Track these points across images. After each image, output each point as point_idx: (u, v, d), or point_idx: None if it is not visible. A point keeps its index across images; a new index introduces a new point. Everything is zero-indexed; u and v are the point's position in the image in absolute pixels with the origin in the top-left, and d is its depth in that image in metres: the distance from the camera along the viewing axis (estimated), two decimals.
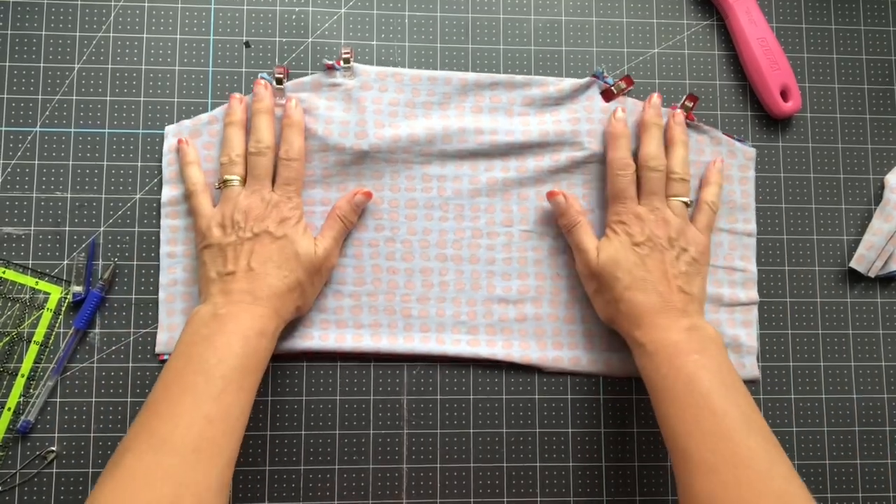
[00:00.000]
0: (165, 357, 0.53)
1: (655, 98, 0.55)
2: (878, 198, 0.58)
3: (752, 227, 0.57)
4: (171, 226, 0.54)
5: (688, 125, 0.57)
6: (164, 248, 0.54)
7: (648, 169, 0.52)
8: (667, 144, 0.54)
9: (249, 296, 0.48)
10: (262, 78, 0.55)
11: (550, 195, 0.54)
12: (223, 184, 0.52)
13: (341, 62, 0.55)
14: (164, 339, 0.53)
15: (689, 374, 0.46)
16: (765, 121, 0.58)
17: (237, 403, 0.44)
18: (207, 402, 0.43)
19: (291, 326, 0.54)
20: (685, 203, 0.52)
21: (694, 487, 0.43)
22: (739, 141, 0.57)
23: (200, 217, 0.52)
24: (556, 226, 0.56)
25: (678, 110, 0.55)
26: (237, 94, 0.54)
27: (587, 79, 0.56)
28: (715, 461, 0.43)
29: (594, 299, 0.53)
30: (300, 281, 0.50)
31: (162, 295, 0.53)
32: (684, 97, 0.57)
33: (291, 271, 0.50)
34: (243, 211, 0.50)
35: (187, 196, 0.53)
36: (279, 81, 0.55)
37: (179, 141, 0.54)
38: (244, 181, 0.52)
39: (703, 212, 0.54)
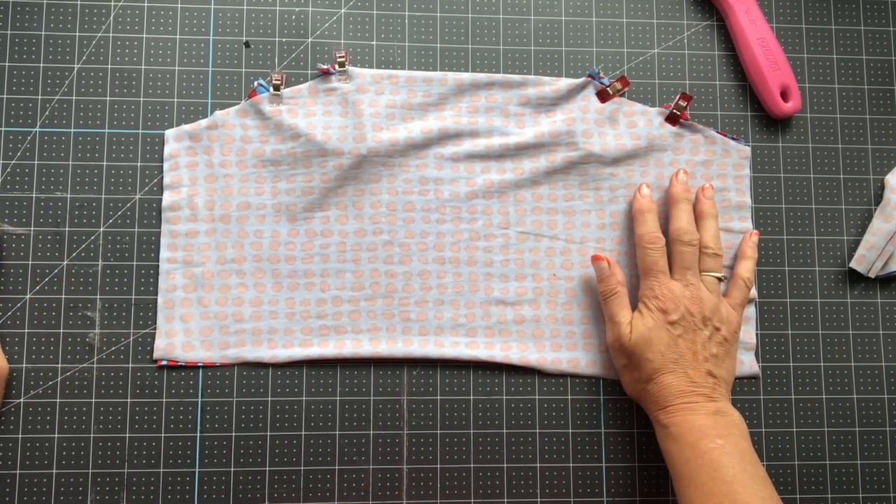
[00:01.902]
0: (164, 363, 0.53)
1: (682, 174, 0.54)
2: (878, 198, 0.58)
3: (748, 225, 0.57)
4: (172, 231, 0.54)
5: (681, 124, 0.57)
6: (164, 254, 0.54)
7: (681, 243, 0.52)
8: (697, 218, 0.53)
9: None
10: (260, 84, 0.55)
11: (596, 259, 0.53)
12: None
13: (336, 66, 0.55)
14: (163, 345, 0.53)
15: (712, 460, 0.46)
16: (765, 121, 0.58)
17: None
18: None
19: (290, 335, 0.54)
20: (718, 279, 0.52)
21: None
22: (734, 140, 0.57)
23: None
24: (553, 227, 0.56)
25: (706, 185, 0.55)
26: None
27: (583, 79, 0.56)
28: None
29: (622, 373, 0.53)
30: None
31: (161, 300, 0.53)
32: (677, 96, 0.57)
33: None
34: None
35: None
36: (276, 87, 0.55)
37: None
38: None
39: (739, 288, 0.53)
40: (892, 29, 0.60)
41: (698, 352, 0.50)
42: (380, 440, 0.54)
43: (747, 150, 0.57)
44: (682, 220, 0.52)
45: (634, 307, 0.53)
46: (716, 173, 0.57)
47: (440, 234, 0.55)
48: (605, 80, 0.57)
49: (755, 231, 0.56)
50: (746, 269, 0.54)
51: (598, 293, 0.54)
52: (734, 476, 0.45)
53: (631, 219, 0.56)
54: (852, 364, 0.57)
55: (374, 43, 0.57)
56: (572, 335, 0.55)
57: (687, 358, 0.49)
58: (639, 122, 0.57)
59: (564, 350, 0.55)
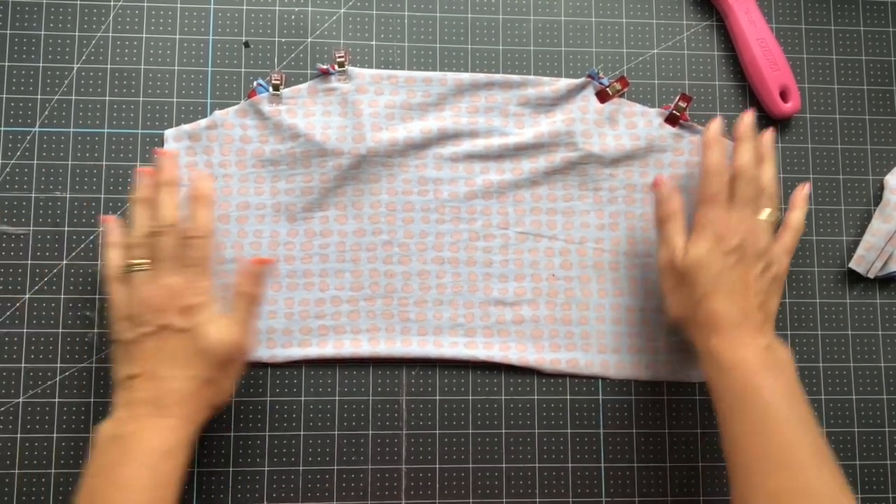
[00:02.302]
0: None
1: (749, 114, 0.53)
2: (878, 198, 0.58)
3: None
4: None
5: (681, 126, 0.57)
6: None
7: (744, 179, 0.50)
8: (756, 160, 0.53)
9: (153, 406, 0.43)
10: (259, 84, 0.55)
11: (655, 185, 0.52)
12: (127, 268, 0.47)
13: (335, 66, 0.55)
14: None
15: (764, 399, 0.45)
16: (764, 121, 0.58)
17: None
18: None
19: (289, 335, 0.54)
20: (773, 221, 0.51)
21: None
22: (733, 142, 0.57)
23: (111, 307, 0.47)
24: (552, 227, 0.56)
25: (767, 129, 0.54)
26: (146, 168, 0.50)
27: (582, 79, 0.56)
28: (779, 489, 0.42)
29: (668, 295, 0.51)
30: (210, 378, 0.45)
31: None
32: (677, 97, 0.57)
33: (200, 369, 0.45)
34: (143, 302, 0.45)
35: (104, 280, 0.48)
36: (276, 87, 0.55)
37: (103, 219, 0.50)
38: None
39: (790, 232, 0.52)
40: (891, 29, 0.60)
41: (750, 284, 0.49)
42: (379, 440, 0.54)
43: None
44: (745, 157, 0.51)
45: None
46: None
47: (439, 234, 0.55)
48: (605, 81, 0.57)
49: (807, 183, 0.55)
50: (797, 218, 0.53)
51: (656, 218, 0.52)
52: (786, 417, 0.44)
53: (630, 219, 0.56)
54: (851, 365, 0.57)
55: (374, 43, 0.57)
56: (571, 335, 0.55)
57: (739, 288, 0.48)
58: (638, 122, 0.57)
59: (563, 350, 0.55)
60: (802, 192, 0.54)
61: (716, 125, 0.52)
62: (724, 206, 0.50)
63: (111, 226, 0.49)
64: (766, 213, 0.51)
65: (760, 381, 0.46)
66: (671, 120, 0.57)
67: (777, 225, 0.52)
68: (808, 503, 0.42)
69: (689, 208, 0.56)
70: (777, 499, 0.42)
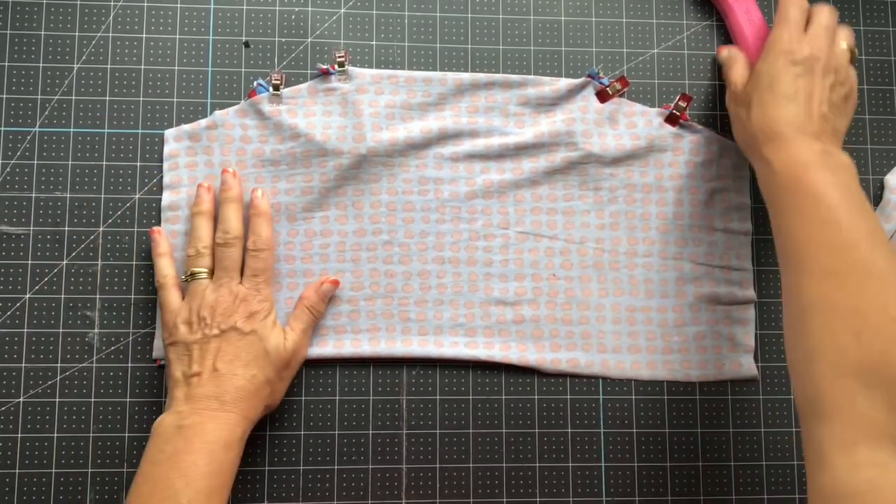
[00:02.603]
0: (163, 362, 0.53)
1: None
2: (878, 198, 0.58)
3: (748, 225, 0.57)
4: (171, 231, 0.54)
5: (681, 125, 0.57)
6: None
7: (824, 12, 0.50)
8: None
9: (215, 401, 0.46)
10: (259, 84, 0.55)
11: (720, 49, 0.54)
12: (190, 276, 0.50)
13: (335, 66, 0.55)
14: (160, 344, 0.53)
15: (817, 190, 0.43)
16: None
17: None
18: None
19: None
20: (850, 51, 0.51)
21: (806, 289, 0.42)
22: (733, 141, 0.57)
23: (167, 312, 0.50)
24: (552, 227, 0.56)
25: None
26: (205, 183, 0.53)
27: (582, 79, 0.57)
28: (835, 266, 0.41)
29: (734, 121, 0.52)
30: (269, 379, 0.49)
31: (159, 300, 0.53)
32: (677, 97, 0.57)
33: (260, 370, 0.48)
34: (210, 306, 0.49)
35: (157, 288, 0.52)
36: (276, 87, 0.55)
37: (152, 231, 0.53)
38: (212, 274, 0.50)
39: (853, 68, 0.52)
40: (891, 29, 0.60)
41: (815, 94, 0.48)
42: (379, 440, 0.54)
43: None
44: (824, 7, 0.51)
45: None
46: (715, 174, 0.57)
47: (440, 234, 0.55)
48: (605, 81, 0.57)
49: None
50: (848, 38, 0.52)
51: (720, 61, 0.54)
52: (839, 204, 0.43)
53: (630, 218, 0.56)
54: None
55: (374, 43, 0.57)
56: (571, 335, 0.55)
57: (802, 95, 0.47)
58: (638, 122, 0.57)
59: (563, 350, 0.55)
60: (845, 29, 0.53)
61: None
62: (799, 31, 0.50)
63: (159, 237, 0.52)
64: (844, 44, 0.50)
65: (814, 175, 0.44)
66: (671, 120, 0.57)
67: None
68: (862, 276, 0.40)
69: (690, 207, 0.56)
70: (830, 277, 0.41)
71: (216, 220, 0.52)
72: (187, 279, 0.51)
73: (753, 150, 0.49)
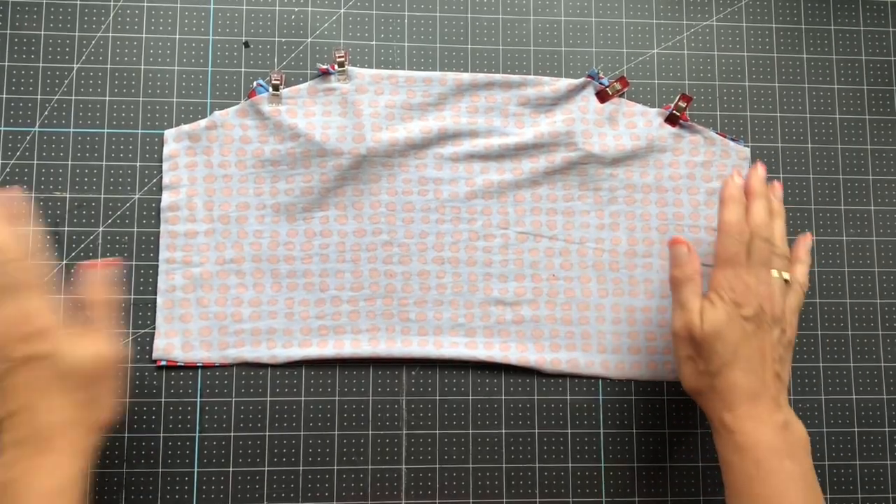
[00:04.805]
0: (163, 363, 0.53)
1: (760, 169, 0.51)
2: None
3: None
4: (171, 231, 0.54)
5: (680, 126, 0.57)
6: (164, 254, 0.54)
7: (760, 238, 0.48)
8: None
9: (35, 445, 0.41)
10: (259, 84, 0.55)
11: (674, 242, 0.49)
12: None
13: (335, 66, 0.55)
14: (162, 345, 0.53)
15: (776, 486, 0.44)
16: (764, 121, 0.58)
17: None
18: None
19: (289, 335, 0.54)
20: (785, 280, 0.49)
21: None
22: (733, 140, 0.57)
23: None
24: (552, 227, 0.56)
25: (776, 183, 0.53)
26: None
27: (582, 79, 0.57)
28: None
29: (682, 364, 0.49)
30: (85, 400, 0.43)
31: (160, 300, 0.53)
32: (677, 97, 0.57)
33: (71, 394, 0.42)
34: None
35: None
36: (275, 87, 0.55)
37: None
38: None
39: (796, 293, 0.50)
40: (891, 29, 0.60)
41: (767, 352, 0.47)
42: (379, 440, 0.54)
43: (746, 150, 0.57)
44: (762, 214, 0.49)
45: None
46: (715, 174, 0.57)
47: (439, 235, 0.55)
48: (605, 81, 0.57)
49: (809, 234, 0.53)
50: (802, 273, 0.51)
51: (671, 278, 0.50)
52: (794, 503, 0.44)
53: (630, 219, 0.56)
54: (851, 365, 0.57)
55: (374, 43, 0.57)
56: (571, 335, 0.55)
57: (757, 357, 0.47)
58: (638, 122, 0.57)
59: (563, 350, 0.55)
60: (805, 243, 0.52)
61: (736, 181, 0.50)
62: (743, 268, 0.48)
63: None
64: (778, 273, 0.49)
65: (776, 464, 0.44)
66: (671, 120, 0.57)
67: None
68: None
69: (690, 208, 0.56)
70: None
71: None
72: None
73: (707, 406, 0.48)
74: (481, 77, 0.56)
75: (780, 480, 0.44)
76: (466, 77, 0.56)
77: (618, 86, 0.57)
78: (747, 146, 0.58)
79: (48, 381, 0.42)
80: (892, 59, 0.59)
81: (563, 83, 0.57)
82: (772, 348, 0.47)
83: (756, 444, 0.45)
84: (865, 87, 0.59)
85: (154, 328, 0.53)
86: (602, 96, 0.57)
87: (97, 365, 0.44)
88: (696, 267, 0.49)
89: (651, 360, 0.55)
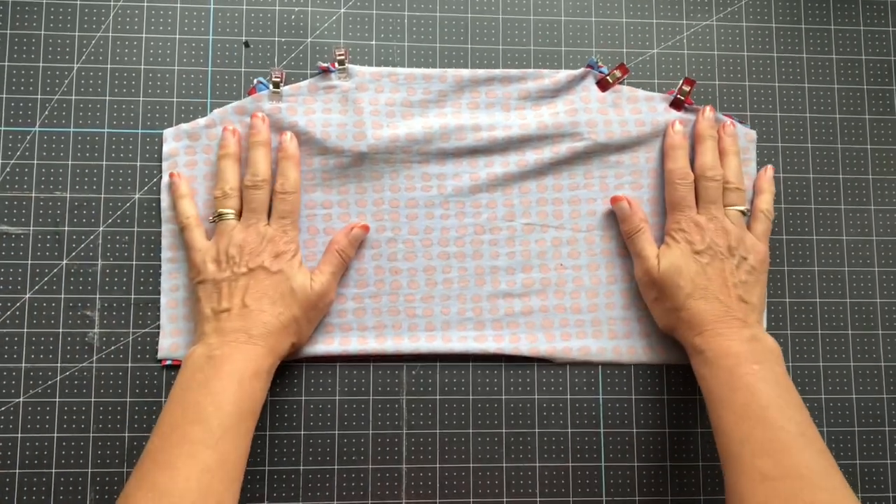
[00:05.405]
0: (168, 362, 0.53)
1: (708, 111, 0.56)
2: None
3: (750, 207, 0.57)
4: (172, 230, 0.54)
5: (686, 108, 0.57)
6: (166, 254, 0.54)
7: (706, 179, 0.53)
8: (720, 155, 0.55)
9: (244, 334, 0.48)
10: (260, 82, 0.55)
11: (614, 200, 0.55)
12: (217, 217, 0.52)
13: (336, 64, 0.55)
14: (167, 344, 0.53)
15: (748, 385, 0.46)
16: (764, 121, 0.58)
17: (234, 450, 0.44)
18: (205, 451, 0.43)
19: None
20: (742, 212, 0.53)
21: (744, 493, 0.44)
22: (740, 122, 0.57)
23: (195, 251, 0.51)
24: (559, 217, 0.56)
25: (727, 122, 0.56)
26: (230, 125, 0.54)
27: (582, 69, 0.57)
28: (768, 470, 0.43)
29: (653, 307, 0.54)
30: (296, 317, 0.50)
31: (164, 300, 0.53)
32: (681, 81, 0.57)
33: (287, 307, 0.50)
34: (238, 245, 0.50)
35: (180, 229, 0.53)
36: (276, 85, 0.55)
37: (171, 174, 0.54)
38: (239, 215, 0.52)
39: (760, 220, 0.54)
40: (891, 29, 0.60)
41: (727, 278, 0.51)
42: (379, 440, 0.54)
43: (753, 133, 0.57)
44: (707, 156, 0.54)
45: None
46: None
47: (444, 230, 0.55)
48: (604, 69, 0.57)
49: (770, 166, 0.57)
50: (766, 201, 0.55)
51: (623, 233, 0.55)
52: (770, 401, 0.46)
53: (638, 204, 0.56)
54: (851, 364, 0.57)
55: (374, 43, 0.57)
56: (581, 323, 0.55)
57: (716, 284, 0.51)
58: (643, 108, 0.57)
59: (574, 339, 0.55)
60: (766, 174, 0.56)
61: (676, 129, 0.55)
62: (691, 209, 0.53)
63: (179, 180, 0.53)
64: (734, 208, 0.53)
65: (745, 368, 0.47)
66: (676, 105, 0.57)
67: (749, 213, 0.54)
68: (795, 483, 0.42)
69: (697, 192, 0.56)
70: (765, 481, 0.43)
71: (240, 164, 0.53)
72: (215, 220, 0.52)
73: (681, 337, 0.52)
74: (481, 73, 0.56)
75: (751, 381, 0.46)
76: (466, 73, 0.56)
77: (618, 73, 0.57)
78: (754, 129, 0.58)
79: (269, 290, 0.49)
80: (892, 59, 0.59)
81: (563, 74, 0.57)
82: (731, 275, 0.51)
83: (724, 355, 0.48)
84: (865, 87, 0.59)
85: (155, 327, 0.53)
86: (603, 85, 0.57)
87: (314, 295, 0.51)
88: (641, 216, 0.54)
89: (663, 344, 0.55)
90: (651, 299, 0.54)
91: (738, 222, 0.53)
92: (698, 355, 0.50)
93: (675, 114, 0.57)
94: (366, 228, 0.54)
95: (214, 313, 0.49)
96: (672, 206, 0.54)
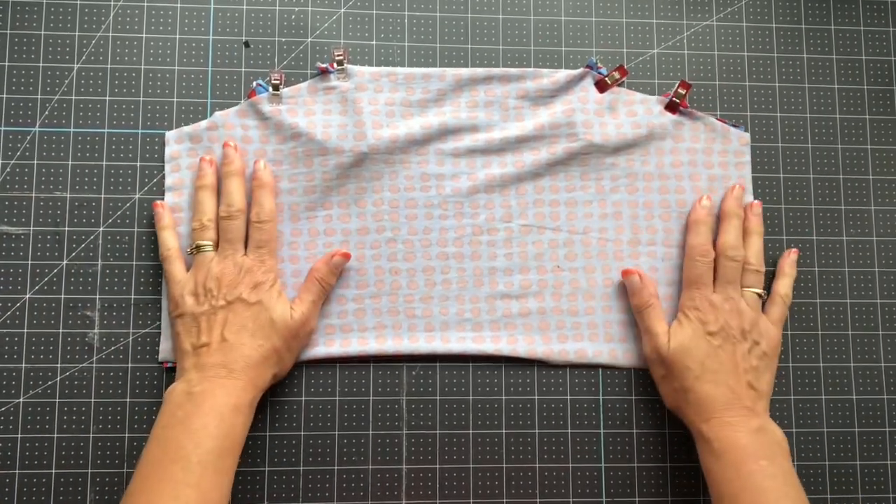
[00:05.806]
0: (169, 365, 0.53)
1: (738, 189, 0.55)
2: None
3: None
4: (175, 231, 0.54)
5: (681, 112, 0.57)
6: None
7: (727, 258, 0.52)
8: (743, 235, 0.54)
9: (224, 369, 0.47)
10: (259, 84, 0.55)
11: (626, 273, 0.54)
12: (196, 249, 0.51)
13: (334, 65, 0.55)
14: (168, 346, 0.53)
15: (756, 484, 0.46)
16: (764, 121, 0.58)
17: (216, 487, 0.44)
18: (186, 490, 0.43)
19: None
20: (759, 295, 0.53)
21: None
22: (734, 126, 0.57)
23: (173, 284, 0.51)
24: (555, 219, 0.56)
25: (755, 202, 0.56)
26: (206, 156, 0.53)
27: (581, 70, 0.57)
28: None
29: (660, 385, 0.53)
30: (276, 348, 0.50)
31: (165, 303, 0.53)
32: (677, 84, 0.57)
33: (266, 339, 0.49)
34: (216, 278, 0.50)
35: (161, 261, 0.52)
36: (275, 87, 0.55)
37: (154, 204, 0.53)
38: (216, 246, 0.51)
39: (777, 305, 0.54)
40: (891, 29, 0.60)
41: (738, 363, 0.50)
42: (379, 440, 0.54)
43: (747, 136, 0.57)
44: (731, 235, 0.53)
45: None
46: (717, 161, 0.57)
47: (443, 230, 0.55)
48: (603, 70, 0.57)
49: (795, 249, 0.56)
50: (785, 285, 0.54)
51: (633, 307, 0.54)
52: (777, 501, 0.45)
53: (633, 207, 0.56)
54: (851, 365, 0.57)
55: (374, 43, 0.57)
56: (578, 326, 0.55)
57: (727, 368, 0.50)
58: (639, 110, 0.57)
59: (571, 341, 0.55)
60: (789, 258, 0.55)
61: (703, 203, 0.55)
62: (707, 288, 0.52)
63: (162, 211, 0.53)
64: (751, 290, 0.52)
65: (752, 465, 0.47)
66: (671, 107, 0.57)
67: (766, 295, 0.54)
68: None
69: (692, 195, 0.56)
70: None
71: (219, 193, 0.53)
72: (192, 252, 0.51)
73: (687, 419, 0.51)
74: (480, 71, 0.56)
75: (758, 479, 0.46)
76: (465, 72, 0.56)
77: (616, 75, 0.57)
78: (748, 132, 0.58)
79: (248, 322, 0.49)
80: (892, 59, 0.59)
81: (562, 74, 0.57)
82: (742, 359, 0.50)
83: (732, 448, 0.47)
84: (865, 87, 0.59)
85: (155, 328, 0.53)
86: (601, 86, 0.57)
87: (294, 326, 0.51)
88: (652, 291, 0.54)
89: None
90: (659, 377, 0.53)
91: (753, 305, 0.52)
92: (705, 444, 0.49)
93: (670, 117, 0.57)
94: (346, 256, 0.53)
95: (194, 348, 0.48)
96: (689, 282, 0.53)
